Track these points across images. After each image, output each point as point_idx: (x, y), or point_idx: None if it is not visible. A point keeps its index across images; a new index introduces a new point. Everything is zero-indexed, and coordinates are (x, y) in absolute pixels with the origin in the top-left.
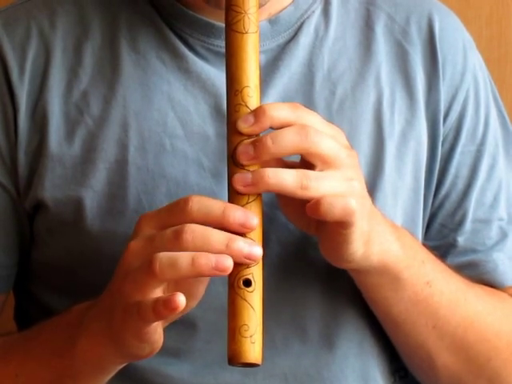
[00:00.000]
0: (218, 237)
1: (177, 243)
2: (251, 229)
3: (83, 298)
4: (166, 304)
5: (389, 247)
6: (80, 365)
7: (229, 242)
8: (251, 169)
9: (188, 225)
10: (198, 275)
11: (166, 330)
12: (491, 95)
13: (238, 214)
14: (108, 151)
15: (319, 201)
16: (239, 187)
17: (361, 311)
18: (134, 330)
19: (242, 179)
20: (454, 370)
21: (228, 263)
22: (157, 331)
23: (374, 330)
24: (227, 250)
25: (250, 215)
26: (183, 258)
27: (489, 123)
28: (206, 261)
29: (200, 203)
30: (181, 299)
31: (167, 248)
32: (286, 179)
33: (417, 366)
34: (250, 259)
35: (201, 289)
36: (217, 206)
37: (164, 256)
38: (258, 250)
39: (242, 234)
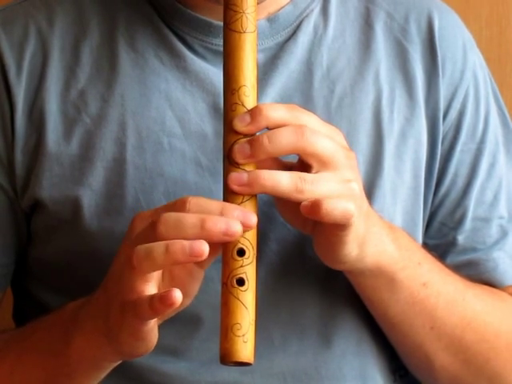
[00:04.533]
0: (190, 220)
1: (153, 234)
2: (251, 227)
3: (81, 297)
4: (163, 300)
5: (384, 249)
6: (75, 363)
7: (202, 223)
8: (247, 168)
9: (163, 214)
10: (174, 263)
11: (163, 328)
12: (491, 93)
13: (236, 214)
14: (106, 150)
15: (319, 202)
16: (234, 187)
17: (359, 310)
18: (131, 328)
19: (237, 179)
20: (453, 371)
21: (203, 247)
22: (153, 330)
23: (373, 329)
24: (203, 232)
25: (249, 214)
26: (157, 246)
27: (489, 121)
28: (180, 247)
29: (198, 204)
30: (177, 295)
31: (147, 242)
32: (282, 182)
33: (415, 367)
34: (227, 235)
35: (195, 286)
36: (214, 206)
37: (141, 248)
38: (235, 225)
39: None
